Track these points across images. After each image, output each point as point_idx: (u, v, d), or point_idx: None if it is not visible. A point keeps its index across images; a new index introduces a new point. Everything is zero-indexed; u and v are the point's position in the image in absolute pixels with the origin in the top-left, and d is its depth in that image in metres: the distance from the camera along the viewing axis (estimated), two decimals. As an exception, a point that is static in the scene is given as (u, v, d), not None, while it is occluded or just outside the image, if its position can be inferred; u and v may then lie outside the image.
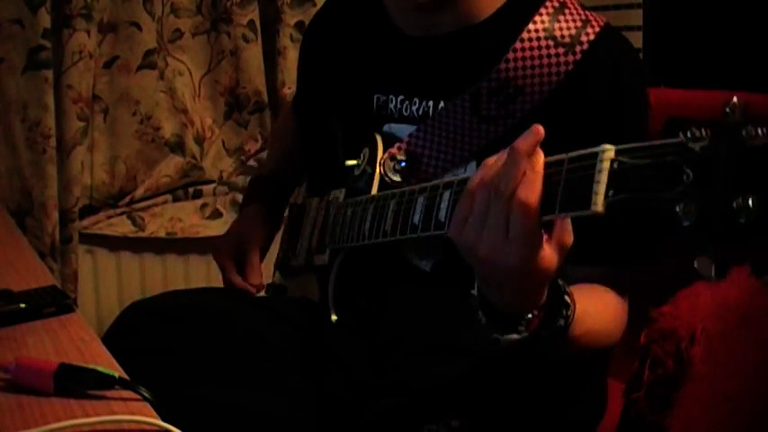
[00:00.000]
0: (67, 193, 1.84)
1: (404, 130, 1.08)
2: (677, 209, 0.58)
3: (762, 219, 0.54)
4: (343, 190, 1.14)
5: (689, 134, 0.58)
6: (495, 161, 0.74)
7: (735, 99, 0.57)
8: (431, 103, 1.06)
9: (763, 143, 0.55)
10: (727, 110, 0.57)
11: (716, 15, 1.89)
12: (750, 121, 0.56)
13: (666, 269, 1.03)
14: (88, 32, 1.80)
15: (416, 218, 0.91)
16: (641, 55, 2.02)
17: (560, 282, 0.81)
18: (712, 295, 1.00)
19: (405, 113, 1.09)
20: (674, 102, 1.37)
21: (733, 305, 1.00)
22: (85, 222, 1.91)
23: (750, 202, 0.54)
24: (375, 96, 1.12)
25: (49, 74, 1.77)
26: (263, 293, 1.34)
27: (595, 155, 0.66)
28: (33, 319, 0.95)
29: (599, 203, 0.64)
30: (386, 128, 1.11)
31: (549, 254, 0.73)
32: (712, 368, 0.97)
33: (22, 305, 0.95)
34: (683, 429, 0.97)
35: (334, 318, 1.08)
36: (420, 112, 1.07)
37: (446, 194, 0.86)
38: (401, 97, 1.09)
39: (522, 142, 0.72)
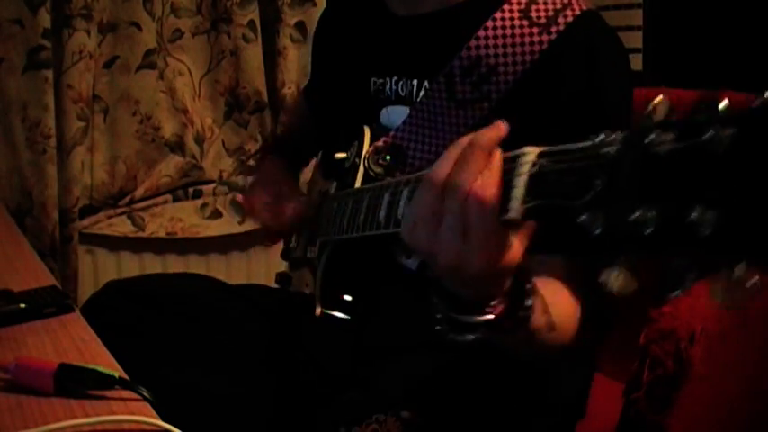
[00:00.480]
0: (67, 193, 1.84)
1: (399, 112, 1.09)
2: (582, 218, 0.53)
3: (667, 230, 0.48)
4: (335, 183, 1.15)
5: (601, 138, 0.54)
6: (449, 157, 0.68)
7: (659, 97, 0.52)
8: (416, 82, 1.06)
9: (668, 150, 0.49)
10: (649, 109, 0.52)
11: (716, 15, 1.89)
12: (660, 124, 0.50)
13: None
14: (88, 32, 1.80)
15: (382, 214, 0.89)
16: (641, 55, 2.02)
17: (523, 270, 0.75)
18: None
19: (401, 93, 1.10)
20: (674, 102, 1.37)
21: (733, 305, 1.00)
22: (85, 222, 1.91)
23: (651, 213, 0.49)
24: (372, 80, 1.13)
25: (49, 74, 1.77)
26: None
27: (516, 158, 0.63)
28: (33, 319, 0.95)
29: (515, 209, 0.61)
30: (383, 112, 1.12)
31: (515, 249, 0.68)
32: (712, 368, 0.97)
33: (22, 305, 0.95)
34: (683, 429, 0.97)
35: (318, 311, 1.09)
36: (414, 93, 1.08)
37: (405, 191, 0.84)
38: (395, 78, 1.10)
39: (483, 137, 0.66)
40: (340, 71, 1.21)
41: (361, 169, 1.06)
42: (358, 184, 1.05)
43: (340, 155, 1.13)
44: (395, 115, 1.10)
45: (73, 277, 1.88)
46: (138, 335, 1.04)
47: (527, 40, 0.96)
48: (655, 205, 0.49)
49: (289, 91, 2.05)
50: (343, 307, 1.10)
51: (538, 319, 0.78)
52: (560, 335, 0.88)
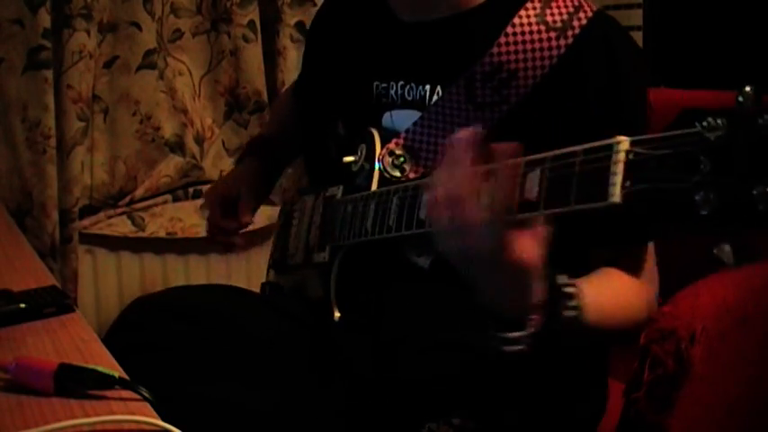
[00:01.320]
0: (67, 193, 1.84)
1: (406, 116, 1.08)
2: (696, 197, 0.59)
3: None
4: (341, 187, 1.14)
5: (705, 123, 0.59)
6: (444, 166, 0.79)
7: (748, 88, 0.58)
8: (428, 87, 1.07)
9: None
10: (740, 98, 0.57)
11: (716, 15, 1.89)
12: (765, 110, 0.56)
13: (666, 270, 1.03)
14: (88, 32, 1.80)
15: (423, 213, 0.91)
16: (641, 55, 2.02)
17: (558, 278, 0.83)
18: (712, 295, 1.00)
19: (407, 98, 1.09)
20: (674, 102, 1.37)
21: (733, 305, 1.00)
22: (85, 222, 1.91)
23: None
24: (374, 84, 1.12)
25: (49, 74, 1.77)
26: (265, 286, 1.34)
27: (610, 146, 0.66)
28: (33, 319, 0.95)
29: (616, 194, 0.65)
30: (386, 116, 1.11)
31: (529, 247, 0.75)
32: (712, 368, 0.97)
33: (22, 305, 0.95)
34: (682, 429, 0.97)
35: (336, 315, 1.08)
36: (419, 97, 1.08)
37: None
38: (401, 83, 1.10)
39: (462, 143, 0.77)
40: (337, 73, 1.20)
41: (377, 172, 1.06)
42: (374, 187, 1.05)
43: (348, 158, 1.13)
44: (400, 119, 1.09)
45: (73, 277, 1.88)
46: (169, 351, 1.02)
47: (545, 45, 0.99)
48: None
49: (289, 91, 2.05)
50: (359, 308, 1.10)
51: (592, 315, 0.85)
52: (627, 318, 0.96)
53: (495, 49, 1.00)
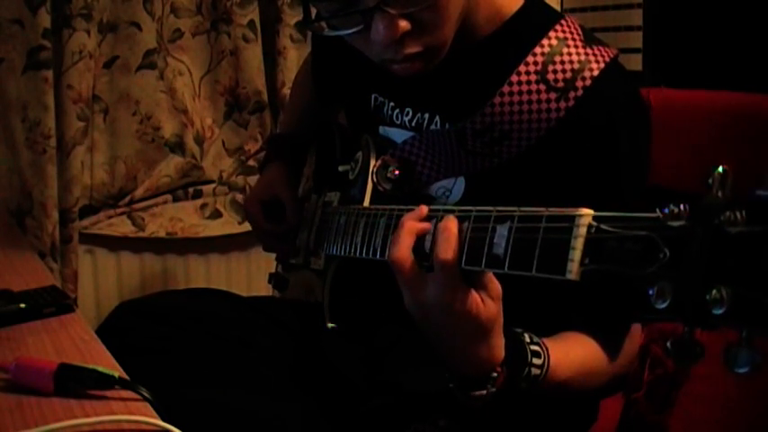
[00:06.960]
0: (67, 193, 1.84)
1: (397, 134, 1.07)
2: (650, 292, 0.55)
3: (737, 309, 0.50)
4: (338, 194, 1.13)
5: (667, 211, 0.55)
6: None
7: (720, 169, 0.53)
8: (421, 115, 1.05)
9: (741, 231, 0.50)
10: (710, 181, 0.53)
11: (716, 15, 1.89)
12: (730, 203, 0.51)
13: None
14: (88, 32, 1.80)
15: None
16: (641, 55, 2.02)
17: (524, 336, 0.85)
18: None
19: (396, 121, 1.08)
20: (674, 102, 1.37)
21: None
22: (85, 222, 1.91)
23: (724, 293, 0.50)
24: (373, 96, 1.12)
25: (49, 74, 1.77)
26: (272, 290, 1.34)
27: (572, 218, 0.63)
28: (33, 319, 0.95)
29: (574, 271, 0.62)
30: (381, 129, 1.11)
31: (472, 298, 0.76)
32: (712, 368, 0.97)
33: (22, 305, 0.96)
34: (682, 429, 0.97)
35: (330, 326, 1.08)
36: (412, 124, 1.06)
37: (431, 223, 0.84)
38: (392, 104, 1.08)
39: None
40: (341, 74, 1.19)
41: (370, 184, 1.04)
42: (367, 201, 1.03)
43: (344, 167, 1.11)
44: (394, 136, 1.08)
45: (73, 277, 1.88)
46: (156, 355, 1.01)
47: (544, 106, 0.92)
48: (728, 286, 0.50)
49: (289, 91, 2.05)
50: (352, 317, 1.09)
51: (558, 373, 0.86)
52: (592, 380, 0.94)
53: (488, 110, 0.94)
